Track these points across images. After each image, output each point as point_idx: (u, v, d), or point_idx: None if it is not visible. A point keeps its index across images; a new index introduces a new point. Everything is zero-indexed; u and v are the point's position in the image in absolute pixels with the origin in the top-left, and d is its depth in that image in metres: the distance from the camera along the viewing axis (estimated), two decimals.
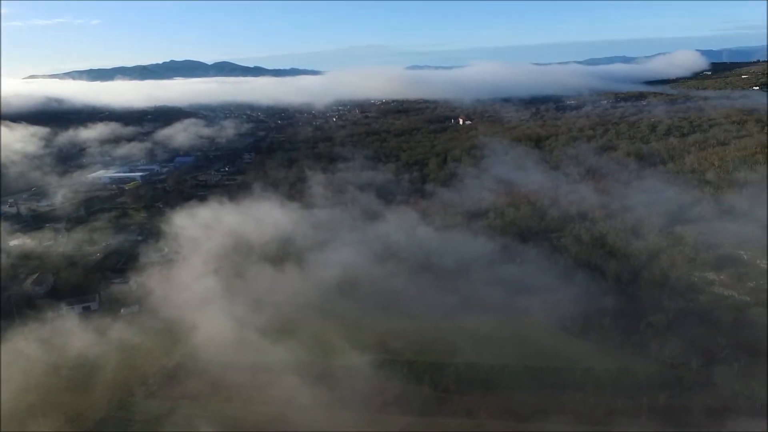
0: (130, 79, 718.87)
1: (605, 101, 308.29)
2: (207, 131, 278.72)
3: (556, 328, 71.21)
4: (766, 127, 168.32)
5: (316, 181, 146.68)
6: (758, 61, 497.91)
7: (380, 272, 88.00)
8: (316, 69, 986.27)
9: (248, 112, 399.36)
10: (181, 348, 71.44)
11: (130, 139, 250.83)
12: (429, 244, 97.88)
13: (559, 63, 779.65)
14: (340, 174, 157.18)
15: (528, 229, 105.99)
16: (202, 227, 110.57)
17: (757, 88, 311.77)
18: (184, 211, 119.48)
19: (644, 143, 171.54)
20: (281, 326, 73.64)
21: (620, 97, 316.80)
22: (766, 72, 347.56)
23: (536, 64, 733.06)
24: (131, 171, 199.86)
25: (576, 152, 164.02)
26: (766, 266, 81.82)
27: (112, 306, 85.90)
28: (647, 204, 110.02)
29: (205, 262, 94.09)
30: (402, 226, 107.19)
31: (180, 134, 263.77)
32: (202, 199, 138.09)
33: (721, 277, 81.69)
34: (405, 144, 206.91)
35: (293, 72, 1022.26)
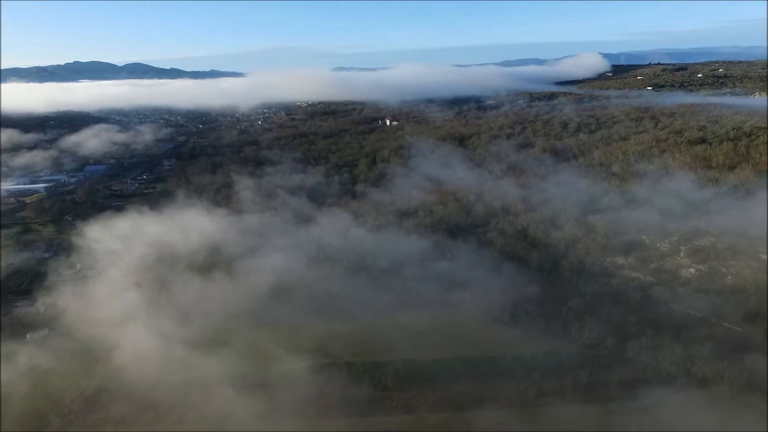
0: (26, 82, 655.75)
1: (521, 101, 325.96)
2: (121, 137, 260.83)
3: (487, 318, 74.38)
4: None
5: (244, 186, 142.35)
6: (650, 64, 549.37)
7: (315, 275, 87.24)
8: (238, 71, 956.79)
9: (166, 117, 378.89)
10: (101, 370, 66.40)
11: (30, 148, 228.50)
12: (362, 244, 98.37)
13: (478, 65, 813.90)
14: (268, 178, 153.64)
15: (456, 225, 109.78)
16: (120, 239, 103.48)
17: (650, 88, 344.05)
18: (99, 224, 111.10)
19: (558, 140, 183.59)
20: (213, 338, 70.81)
21: (534, 97, 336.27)
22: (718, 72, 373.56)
23: (457, 65, 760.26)
24: (33, 182, 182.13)
25: (497, 149, 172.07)
26: (665, 248, 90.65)
27: (17, 331, 77.80)
28: (563, 196, 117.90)
29: (126, 275, 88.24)
30: (334, 227, 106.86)
31: (90, 141, 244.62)
32: (119, 209, 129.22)
33: (629, 260, 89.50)
34: (334, 146, 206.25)
35: (214, 74, 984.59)
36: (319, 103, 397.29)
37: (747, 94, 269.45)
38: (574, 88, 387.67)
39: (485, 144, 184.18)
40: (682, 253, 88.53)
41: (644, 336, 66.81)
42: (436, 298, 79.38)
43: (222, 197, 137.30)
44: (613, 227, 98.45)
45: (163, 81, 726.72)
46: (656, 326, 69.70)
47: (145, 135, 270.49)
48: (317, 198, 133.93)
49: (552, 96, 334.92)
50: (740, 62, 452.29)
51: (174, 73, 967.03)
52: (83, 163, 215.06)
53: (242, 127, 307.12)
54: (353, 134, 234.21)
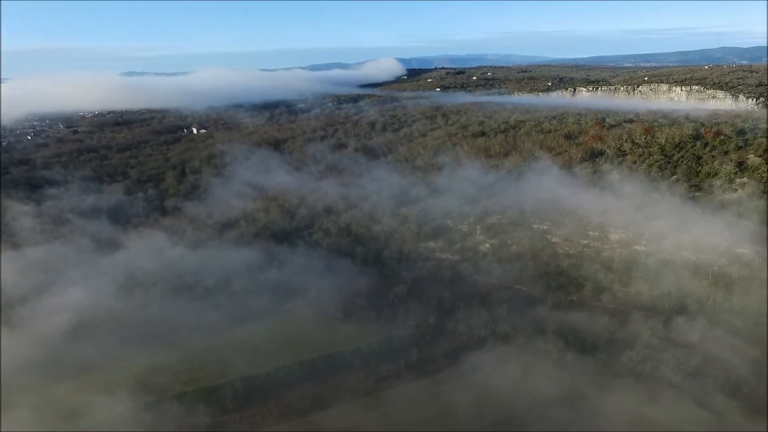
0: None
1: (330, 103, 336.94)
2: None
3: (322, 318, 75.82)
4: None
5: (19, 214, 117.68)
6: (436, 68, 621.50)
7: (127, 306, 77.46)
8: None
9: None
10: None
11: None
12: (181, 263, 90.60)
13: (285, 69, 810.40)
14: (51, 202, 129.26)
15: (281, 230, 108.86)
16: None
17: (439, 89, 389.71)
18: None
19: (368, 139, 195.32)
20: None
21: (342, 99, 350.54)
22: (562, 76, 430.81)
23: (264, 70, 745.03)
24: None
25: (313, 152, 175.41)
26: (465, 229, 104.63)
27: None
28: (378, 191, 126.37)
29: None
30: (146, 249, 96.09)
31: None
32: None
33: (438, 244, 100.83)
34: (133, 159, 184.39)
35: None
36: (109, 113, 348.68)
37: (510, 93, 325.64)
38: (376, 91, 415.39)
39: (301, 147, 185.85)
40: (478, 232, 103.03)
41: (458, 308, 76.35)
42: (269, 308, 77.70)
43: None
44: (422, 215, 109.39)
45: None
46: (466, 298, 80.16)
47: None
48: (120, 219, 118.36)
49: (357, 98, 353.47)
50: (502, 67, 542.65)
51: None
52: None
53: (5, 143, 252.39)
54: (155, 145, 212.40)
